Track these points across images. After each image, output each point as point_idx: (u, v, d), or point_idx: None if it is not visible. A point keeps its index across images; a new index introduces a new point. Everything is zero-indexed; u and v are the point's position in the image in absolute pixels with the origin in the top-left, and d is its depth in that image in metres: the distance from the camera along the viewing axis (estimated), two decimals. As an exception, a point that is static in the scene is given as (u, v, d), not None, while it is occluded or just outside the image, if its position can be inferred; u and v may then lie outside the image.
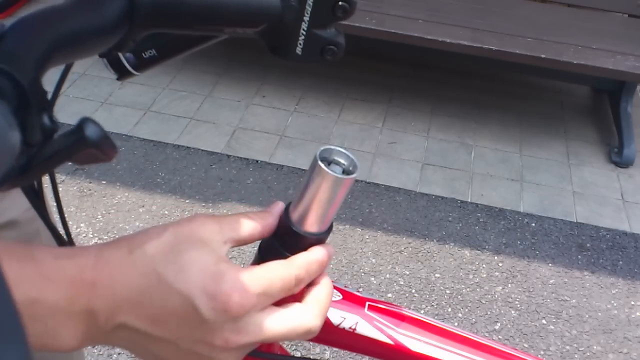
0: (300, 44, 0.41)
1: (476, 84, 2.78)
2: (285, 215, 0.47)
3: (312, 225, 0.45)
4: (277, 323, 0.38)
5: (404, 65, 2.81)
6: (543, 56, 2.17)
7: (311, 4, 0.39)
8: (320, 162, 0.41)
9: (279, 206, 0.44)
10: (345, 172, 0.42)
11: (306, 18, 0.40)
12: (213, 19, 0.38)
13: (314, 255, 0.41)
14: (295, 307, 0.40)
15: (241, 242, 0.41)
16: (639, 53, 2.25)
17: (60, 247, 0.37)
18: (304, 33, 0.40)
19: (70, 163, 0.30)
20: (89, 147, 0.28)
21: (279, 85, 2.63)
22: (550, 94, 2.80)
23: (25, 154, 0.27)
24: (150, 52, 0.45)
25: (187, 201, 2.05)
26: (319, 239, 0.44)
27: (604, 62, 2.18)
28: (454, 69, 2.83)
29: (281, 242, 0.44)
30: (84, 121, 0.28)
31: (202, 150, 2.26)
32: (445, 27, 2.26)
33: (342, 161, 0.43)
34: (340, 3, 0.39)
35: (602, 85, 2.64)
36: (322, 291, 0.42)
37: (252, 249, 1.90)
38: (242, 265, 1.96)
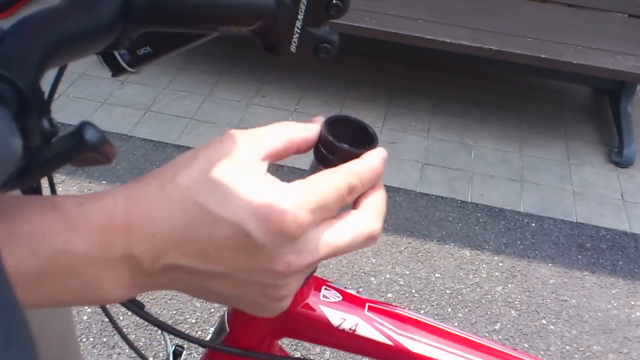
0: (294, 42, 0.41)
1: (476, 84, 2.78)
2: (325, 128, 0.43)
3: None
4: (338, 235, 0.36)
5: (404, 65, 2.81)
6: (543, 56, 2.17)
7: (305, 2, 0.40)
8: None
9: (320, 119, 0.41)
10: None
11: (300, 16, 0.40)
12: (208, 17, 0.38)
13: (368, 163, 0.38)
14: (352, 215, 0.37)
15: (280, 157, 0.37)
16: (639, 53, 2.25)
17: (84, 194, 0.35)
18: (298, 31, 0.41)
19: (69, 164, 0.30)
20: (88, 151, 0.28)
21: (279, 85, 2.63)
22: (550, 94, 2.80)
23: (25, 158, 0.27)
24: (145, 49, 0.45)
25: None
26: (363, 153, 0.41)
27: (604, 62, 2.18)
28: (454, 69, 2.83)
29: (323, 159, 0.41)
30: (84, 125, 0.28)
31: (202, 150, 2.25)
32: (445, 27, 2.26)
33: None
34: (334, 1, 0.39)
35: (602, 85, 2.64)
36: (377, 196, 0.38)
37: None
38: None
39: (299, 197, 0.34)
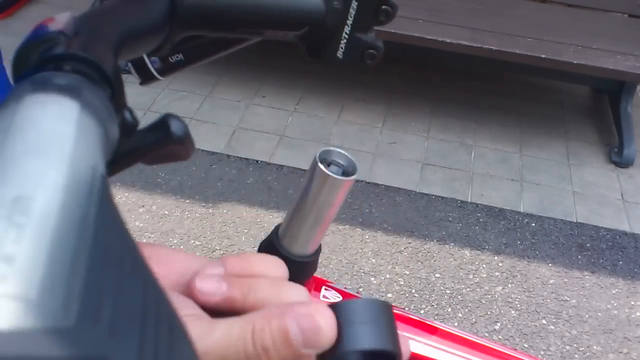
0: (342, 48, 0.40)
1: (476, 84, 2.78)
2: (274, 235, 0.46)
3: (304, 243, 0.46)
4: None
5: (403, 66, 2.81)
6: (543, 56, 2.17)
7: (355, 7, 0.39)
8: (320, 164, 0.41)
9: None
10: (345, 173, 0.42)
11: (349, 21, 0.39)
12: (255, 21, 0.37)
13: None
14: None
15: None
16: (639, 53, 2.25)
17: None
18: (346, 36, 0.40)
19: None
20: (173, 144, 0.26)
21: (279, 86, 2.63)
22: (550, 94, 2.80)
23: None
24: (178, 57, 0.43)
25: (187, 201, 2.05)
26: (305, 264, 0.42)
27: (604, 62, 2.18)
28: (454, 69, 2.83)
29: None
30: (168, 117, 0.27)
31: (202, 150, 2.26)
32: (445, 27, 2.26)
33: (342, 162, 0.43)
34: (383, 7, 0.39)
35: (602, 85, 2.64)
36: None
37: (253, 250, 1.90)
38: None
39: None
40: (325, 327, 0.25)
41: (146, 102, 2.46)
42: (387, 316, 0.27)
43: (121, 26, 0.29)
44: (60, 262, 0.15)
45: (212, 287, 0.28)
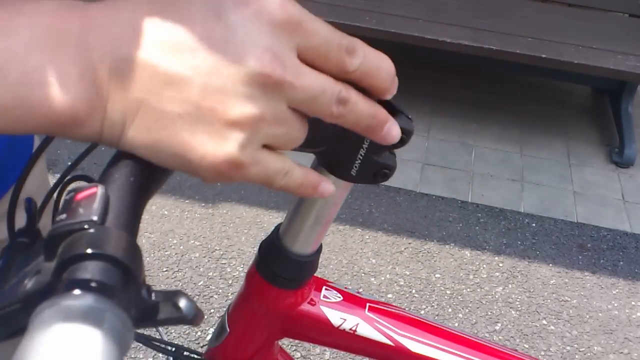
0: (355, 167, 0.41)
1: (476, 84, 2.78)
2: (275, 235, 0.49)
3: (304, 243, 0.48)
4: (325, 81, 0.30)
5: (403, 65, 2.80)
6: (543, 56, 2.17)
7: None
8: (320, 165, 0.41)
9: None
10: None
11: (365, 145, 0.40)
12: None
13: (379, 54, 0.33)
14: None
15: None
16: (640, 53, 2.25)
17: None
18: (361, 158, 0.40)
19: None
20: (184, 323, 0.29)
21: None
22: (551, 94, 2.80)
23: None
24: None
25: (186, 201, 2.05)
26: (306, 264, 0.46)
27: (605, 62, 2.18)
28: (454, 69, 2.83)
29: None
30: (179, 297, 0.28)
31: (202, 150, 2.25)
32: (446, 27, 2.25)
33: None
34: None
35: (603, 85, 2.64)
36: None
37: (253, 250, 1.90)
38: (242, 267, 1.94)
39: (298, 4, 0.29)
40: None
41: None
42: None
43: (144, 200, 0.32)
44: None
45: None
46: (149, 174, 0.32)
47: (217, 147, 0.29)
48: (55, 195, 0.42)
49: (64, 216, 0.28)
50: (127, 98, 0.28)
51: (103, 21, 0.28)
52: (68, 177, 0.43)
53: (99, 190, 0.29)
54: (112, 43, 0.28)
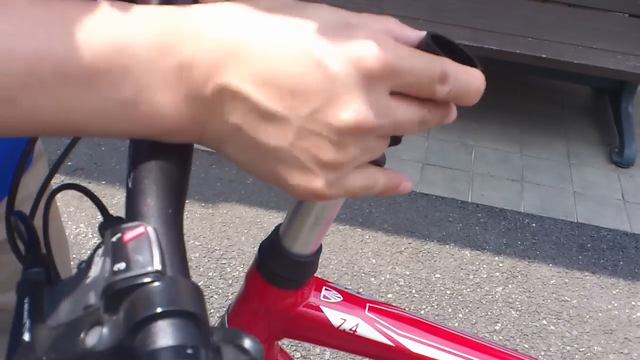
0: None
1: (476, 84, 2.78)
2: (275, 235, 0.49)
3: (304, 243, 0.49)
4: (416, 111, 0.33)
5: (404, 65, 2.80)
6: (543, 56, 2.17)
7: None
8: None
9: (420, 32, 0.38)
10: None
11: None
12: None
13: (469, 69, 0.35)
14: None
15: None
16: (640, 53, 2.25)
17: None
18: None
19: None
20: None
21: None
22: (551, 93, 2.80)
23: None
24: None
25: (186, 201, 2.04)
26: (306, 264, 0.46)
27: (605, 62, 2.18)
28: (454, 69, 2.83)
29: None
30: (243, 338, 0.27)
31: (202, 150, 2.25)
32: (446, 27, 2.25)
33: None
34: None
35: (603, 85, 2.64)
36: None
37: (253, 250, 1.90)
38: (242, 267, 1.94)
39: (392, 43, 0.30)
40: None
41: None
42: None
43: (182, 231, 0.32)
44: None
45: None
46: (179, 200, 0.33)
47: (308, 182, 0.31)
48: (47, 195, 0.41)
49: (122, 265, 0.27)
50: (225, 121, 0.31)
51: (209, 42, 0.29)
52: (59, 186, 0.41)
53: (150, 231, 0.28)
54: (215, 65, 0.29)
